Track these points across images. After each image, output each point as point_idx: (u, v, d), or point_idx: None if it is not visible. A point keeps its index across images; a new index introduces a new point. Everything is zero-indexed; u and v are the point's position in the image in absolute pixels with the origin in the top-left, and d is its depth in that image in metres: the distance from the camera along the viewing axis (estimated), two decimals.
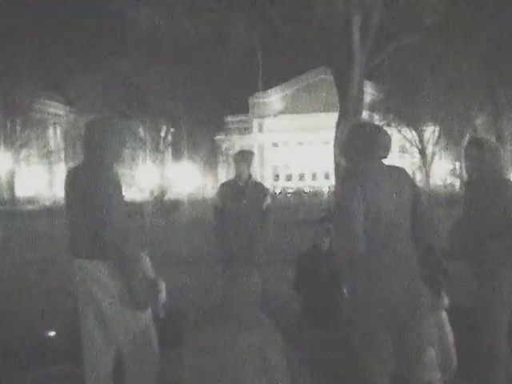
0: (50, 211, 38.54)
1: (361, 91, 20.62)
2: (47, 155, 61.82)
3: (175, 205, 44.25)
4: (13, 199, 51.70)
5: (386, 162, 4.01)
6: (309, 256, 6.86)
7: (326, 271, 6.55)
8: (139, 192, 69.56)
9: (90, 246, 3.92)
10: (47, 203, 51.65)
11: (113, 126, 4.20)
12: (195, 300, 7.31)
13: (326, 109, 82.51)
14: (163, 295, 4.23)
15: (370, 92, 51.81)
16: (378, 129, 4.11)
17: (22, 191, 55.91)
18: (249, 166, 6.66)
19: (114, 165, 4.18)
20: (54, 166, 64.21)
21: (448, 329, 4.85)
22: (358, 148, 3.94)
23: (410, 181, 4.03)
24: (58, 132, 67.46)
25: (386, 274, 3.76)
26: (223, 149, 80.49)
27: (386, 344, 3.84)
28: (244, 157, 6.69)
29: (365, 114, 36.22)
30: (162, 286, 4.19)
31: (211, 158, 78.75)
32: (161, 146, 69.74)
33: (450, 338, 4.83)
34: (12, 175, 54.00)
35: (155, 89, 61.60)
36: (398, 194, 3.86)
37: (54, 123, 66.74)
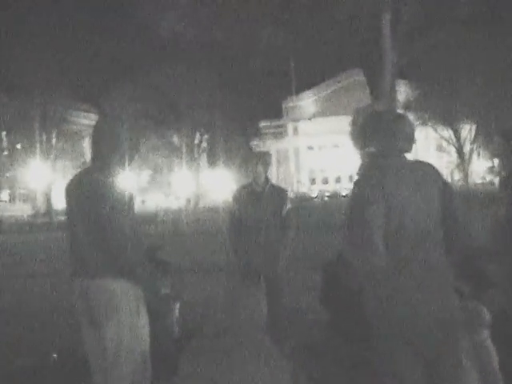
0: None
1: (393, 90, 20.08)
2: (82, 166, 62.06)
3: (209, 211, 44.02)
4: (49, 211, 51.98)
5: (409, 156, 3.40)
6: (336, 265, 6.29)
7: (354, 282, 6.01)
8: (175, 199, 69.95)
9: (96, 264, 3.55)
10: None
11: (120, 125, 3.82)
12: (204, 318, 6.83)
13: None
14: (176, 313, 3.86)
15: (404, 91, 51.09)
16: (399, 117, 3.46)
17: (58, 203, 56.22)
18: (265, 169, 6.11)
19: (121, 169, 3.80)
20: None
21: (491, 350, 4.02)
22: (376, 140, 3.34)
23: (440, 178, 3.38)
24: None
25: (414, 291, 3.16)
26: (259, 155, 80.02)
27: (417, 373, 3.22)
28: (259, 158, 6.17)
29: None
30: (176, 304, 3.84)
31: (246, 164, 78.43)
32: (195, 153, 69.79)
33: (494, 362, 3.99)
34: (48, 187, 54.29)
35: (189, 96, 61.78)
36: (425, 194, 3.25)
37: (90, 134, 66.92)
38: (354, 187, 3.31)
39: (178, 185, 68.68)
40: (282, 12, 21.09)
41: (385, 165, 3.27)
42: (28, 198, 57.65)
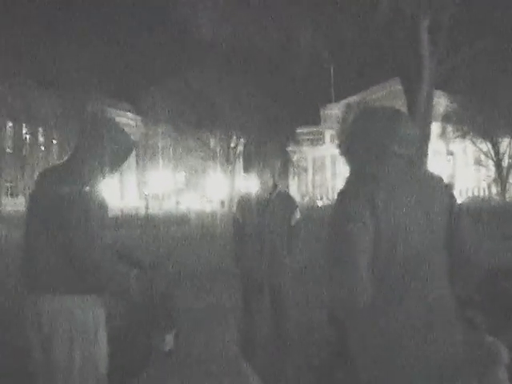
0: (118, 221, 38.71)
1: (430, 101, 19.53)
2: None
3: None
4: None
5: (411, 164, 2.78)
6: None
7: None
8: (209, 202, 69.80)
9: (54, 279, 3.19)
10: (118, 213, 52.04)
11: (109, 126, 3.48)
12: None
13: None
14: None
15: (442, 102, 50.29)
16: (397, 114, 2.82)
17: None
18: (273, 174, 5.72)
19: (102, 174, 3.43)
20: (126, 175, 64.78)
21: None
22: (366, 142, 2.74)
23: (447, 193, 2.78)
24: None
25: (410, 337, 2.53)
26: (294, 160, 79.83)
27: None
28: (267, 162, 5.79)
29: (436, 126, 34.90)
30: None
31: (282, 170, 78.20)
32: (231, 157, 69.62)
33: None
34: None
35: (226, 100, 61.59)
36: (426, 211, 2.65)
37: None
38: (336, 200, 2.67)
39: (213, 187, 68.56)
40: (321, 16, 20.76)
41: (376, 173, 2.66)
42: None
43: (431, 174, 2.87)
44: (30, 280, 3.29)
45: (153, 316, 3.45)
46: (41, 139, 58.99)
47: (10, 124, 55.08)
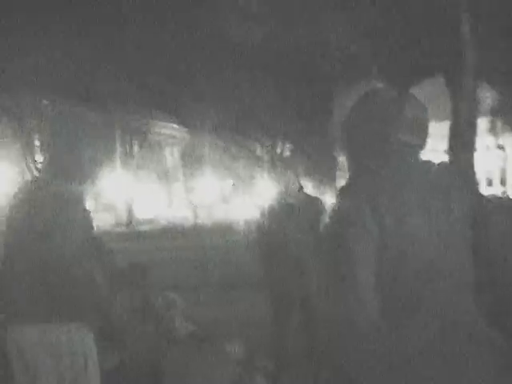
0: (167, 232, 38.82)
1: (475, 95, 18.94)
2: (165, 175, 62.68)
3: None
4: (130, 221, 52.45)
5: (424, 157, 2.34)
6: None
7: None
8: (257, 210, 69.39)
9: (35, 305, 2.91)
10: (165, 224, 52.24)
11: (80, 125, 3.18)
12: None
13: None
14: None
15: (490, 96, 49.10)
16: (401, 96, 2.34)
17: (140, 212, 56.72)
18: (297, 175, 5.34)
19: (79, 178, 3.13)
20: (172, 186, 65.03)
21: None
22: (366, 131, 2.29)
23: (471, 189, 2.32)
24: (175, 153, 68.29)
25: (422, 367, 2.05)
26: (341, 165, 79.14)
27: None
28: (289, 164, 5.42)
29: (485, 120, 34.04)
30: None
31: (329, 175, 77.62)
32: (278, 164, 69.30)
33: None
34: (130, 196, 54.85)
35: (271, 105, 61.43)
36: (443, 212, 2.19)
37: (171, 144, 67.68)
38: (335, 201, 2.27)
39: (261, 194, 68.38)
40: (357, 17, 20.41)
41: (378, 167, 2.23)
42: (110, 208, 58.45)
43: (449, 166, 2.43)
44: (7, 308, 2.98)
45: None
46: None
47: None
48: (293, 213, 5.23)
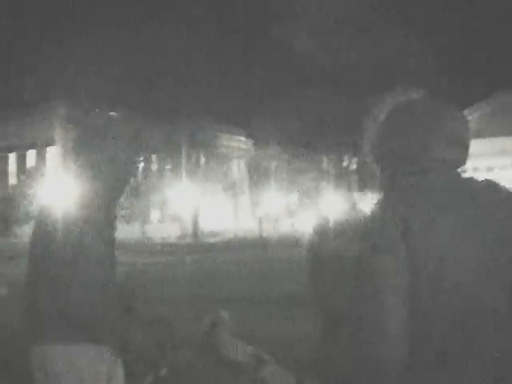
0: (232, 244, 38.80)
1: None
2: (231, 188, 62.91)
3: None
4: (196, 232, 52.69)
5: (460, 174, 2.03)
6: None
7: None
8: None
9: (55, 324, 2.66)
10: (230, 236, 52.30)
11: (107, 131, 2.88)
12: None
13: None
14: None
15: None
16: (442, 108, 2.03)
17: (206, 224, 56.91)
18: (349, 190, 4.89)
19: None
20: (238, 198, 65.23)
21: None
22: (400, 145, 1.99)
23: None
24: (242, 165, 68.53)
25: None
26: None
27: None
28: (350, 176, 4.98)
29: None
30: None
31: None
32: (344, 177, 68.84)
33: None
34: (196, 208, 55.14)
35: (337, 119, 61.22)
36: (487, 238, 1.85)
37: (238, 157, 67.98)
38: (364, 223, 2.00)
39: (327, 208, 67.89)
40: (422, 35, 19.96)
41: (414, 186, 1.92)
42: (176, 219, 58.89)
43: (494, 185, 2.03)
44: (32, 328, 2.80)
45: None
46: (154, 166, 60.26)
47: None
48: (344, 228, 4.81)
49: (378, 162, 2.08)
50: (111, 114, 48.36)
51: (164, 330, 2.92)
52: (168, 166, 58.74)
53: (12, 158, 62.31)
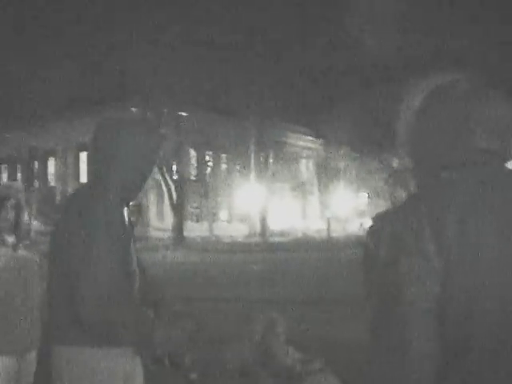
0: (300, 244, 38.68)
1: None
2: (299, 188, 62.77)
3: None
4: (264, 232, 52.77)
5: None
6: None
7: None
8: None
9: (69, 325, 2.58)
10: (299, 236, 52.21)
11: (127, 128, 2.78)
12: None
13: None
14: None
15: None
16: (489, 93, 1.73)
17: (274, 223, 56.93)
18: (406, 188, 4.68)
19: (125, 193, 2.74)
20: (306, 198, 65.08)
21: None
22: (435, 133, 1.71)
23: None
24: (310, 165, 68.26)
25: None
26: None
27: None
28: (397, 176, 4.76)
29: None
30: None
31: None
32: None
33: None
34: (264, 208, 55.22)
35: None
36: None
37: (306, 157, 67.72)
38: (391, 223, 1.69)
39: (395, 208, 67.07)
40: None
41: (452, 181, 1.64)
42: (245, 219, 59.11)
43: None
44: (52, 329, 2.76)
45: None
46: (223, 166, 60.64)
47: (194, 153, 57.00)
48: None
49: (412, 155, 1.80)
50: (181, 113, 48.87)
51: (192, 328, 2.78)
52: (237, 166, 59.01)
53: (83, 156, 63.61)
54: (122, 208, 2.71)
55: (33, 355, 3.68)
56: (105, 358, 2.59)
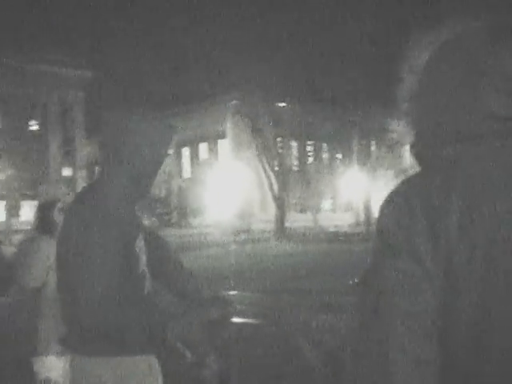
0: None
1: None
2: (403, 174, 61.70)
3: None
4: (368, 220, 51.97)
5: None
6: None
7: None
8: None
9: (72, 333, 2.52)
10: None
11: (136, 123, 2.65)
12: None
13: None
14: None
15: None
16: (504, 49, 1.29)
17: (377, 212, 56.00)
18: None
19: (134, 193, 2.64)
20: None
21: None
22: (441, 99, 1.33)
23: None
24: None
25: None
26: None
27: None
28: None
29: None
30: None
31: None
32: None
33: None
34: (368, 196, 54.50)
35: None
36: None
37: (409, 143, 66.45)
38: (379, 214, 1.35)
39: None
40: None
41: (456, 158, 1.27)
42: (349, 208, 58.52)
43: None
44: (66, 338, 2.65)
45: None
46: (325, 155, 60.26)
47: (295, 143, 56.94)
48: None
49: (413, 125, 1.46)
50: (279, 104, 48.86)
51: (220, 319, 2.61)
52: (339, 155, 58.54)
53: (185, 151, 64.66)
54: (130, 206, 2.60)
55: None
56: (118, 366, 2.52)
